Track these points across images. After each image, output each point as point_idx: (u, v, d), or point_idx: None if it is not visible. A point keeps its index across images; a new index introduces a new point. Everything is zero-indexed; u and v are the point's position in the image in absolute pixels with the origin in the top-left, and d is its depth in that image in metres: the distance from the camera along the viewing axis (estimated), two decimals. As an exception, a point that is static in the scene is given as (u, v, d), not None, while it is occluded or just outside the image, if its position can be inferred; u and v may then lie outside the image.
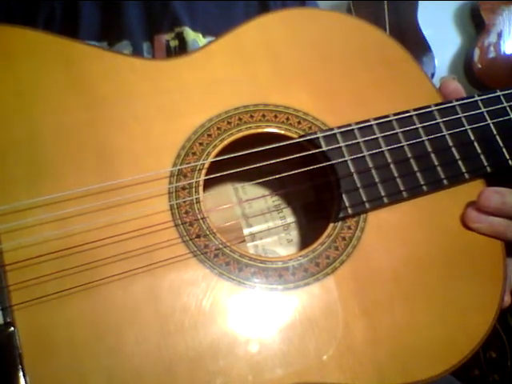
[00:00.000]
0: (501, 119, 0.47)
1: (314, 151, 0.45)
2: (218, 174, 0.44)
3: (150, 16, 0.71)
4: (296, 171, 0.45)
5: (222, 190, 0.49)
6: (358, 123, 0.46)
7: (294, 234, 0.51)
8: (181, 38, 0.70)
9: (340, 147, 0.45)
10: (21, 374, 0.35)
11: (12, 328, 0.36)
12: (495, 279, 0.44)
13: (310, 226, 0.48)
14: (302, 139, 0.45)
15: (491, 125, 0.47)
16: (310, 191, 0.50)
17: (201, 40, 0.72)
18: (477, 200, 0.45)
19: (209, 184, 0.47)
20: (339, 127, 0.45)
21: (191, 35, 0.71)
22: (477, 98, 0.48)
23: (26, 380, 0.35)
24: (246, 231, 0.49)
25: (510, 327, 1.80)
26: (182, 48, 0.71)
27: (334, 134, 0.45)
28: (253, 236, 0.50)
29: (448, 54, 2.26)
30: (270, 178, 0.46)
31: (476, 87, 2.23)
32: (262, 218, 0.50)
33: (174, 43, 0.69)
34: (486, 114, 0.47)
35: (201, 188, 0.43)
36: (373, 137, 0.45)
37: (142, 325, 0.38)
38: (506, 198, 0.45)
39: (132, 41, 0.70)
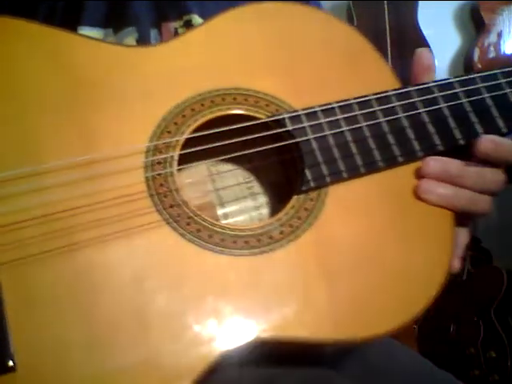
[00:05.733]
0: (453, 103, 0.52)
1: (280, 130, 0.49)
2: (190, 150, 0.48)
3: (157, 4, 0.70)
4: (263, 148, 0.49)
5: (197, 169, 0.53)
6: (321, 105, 0.50)
7: (264, 212, 0.55)
8: (189, 25, 0.70)
9: (304, 127, 0.49)
10: (5, 323, 0.39)
11: None
12: (444, 246, 0.48)
13: (280, 205, 0.51)
14: (269, 119, 0.50)
15: (444, 108, 0.52)
16: (281, 174, 0.54)
17: None
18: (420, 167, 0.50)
19: (185, 165, 0.52)
20: (304, 109, 0.50)
21: (200, 22, 0.71)
22: (431, 84, 0.53)
23: (8, 331, 0.39)
24: (220, 211, 0.53)
25: (510, 327, 1.81)
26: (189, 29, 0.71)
27: (299, 115, 0.50)
28: (226, 215, 0.54)
29: (448, 54, 2.26)
30: (240, 153, 0.49)
31: (476, 87, 2.23)
32: (234, 199, 0.54)
33: (182, 31, 0.70)
34: (439, 98, 0.52)
35: (175, 162, 0.47)
36: (334, 118, 0.50)
37: (118, 284, 0.42)
38: (447, 166, 0.49)
39: (138, 27, 0.69)
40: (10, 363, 0.38)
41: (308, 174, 0.48)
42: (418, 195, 0.49)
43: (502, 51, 2.11)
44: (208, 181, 0.53)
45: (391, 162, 0.50)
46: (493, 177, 0.51)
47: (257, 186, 0.55)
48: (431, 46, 2.14)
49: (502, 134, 0.52)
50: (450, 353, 1.79)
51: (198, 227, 0.45)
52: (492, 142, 0.50)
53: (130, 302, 0.42)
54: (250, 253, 0.45)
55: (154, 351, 0.40)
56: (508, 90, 0.53)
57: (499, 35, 2.11)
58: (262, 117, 0.50)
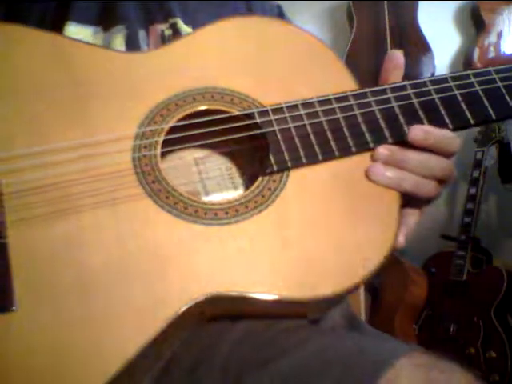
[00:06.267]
0: (404, 102, 0.60)
1: (249, 122, 0.58)
2: (172, 136, 0.56)
3: (145, 6, 0.76)
4: (234, 136, 0.58)
5: (184, 161, 0.61)
6: (286, 102, 0.59)
7: None
8: (175, 28, 0.76)
9: (271, 120, 0.58)
10: (12, 276, 0.47)
11: (4, 240, 0.48)
12: (389, 222, 0.55)
13: None
14: (241, 113, 0.58)
15: (395, 107, 0.59)
16: (257, 165, 0.61)
17: None
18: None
19: (169, 147, 0.59)
20: (272, 105, 0.58)
21: (184, 27, 0.75)
22: (386, 86, 0.60)
23: (13, 279, 0.47)
24: (204, 198, 0.61)
25: (510, 327, 1.81)
26: (176, 37, 0.74)
27: (267, 111, 0.58)
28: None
29: (448, 54, 2.27)
30: (217, 139, 0.58)
31: (476, 87, 2.23)
32: (218, 188, 0.62)
33: (168, 32, 0.75)
34: (392, 98, 0.60)
35: (159, 146, 0.55)
36: (297, 113, 0.58)
37: (104, 242, 0.50)
38: (393, 152, 0.57)
39: (127, 26, 0.73)
40: (14, 308, 0.47)
41: (272, 159, 0.56)
42: (368, 177, 0.57)
43: (502, 51, 2.11)
44: (195, 171, 0.62)
45: (346, 152, 0.57)
46: (437, 164, 0.57)
47: (238, 177, 0.64)
48: (431, 45, 2.14)
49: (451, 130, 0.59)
50: (450, 353, 1.79)
51: (175, 200, 0.53)
52: (421, 130, 0.57)
53: (114, 257, 0.50)
54: (218, 223, 0.53)
55: (133, 294, 0.49)
56: (457, 92, 0.60)
57: (499, 35, 2.11)
58: (236, 112, 0.58)
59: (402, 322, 1.91)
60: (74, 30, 0.70)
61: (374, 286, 2.01)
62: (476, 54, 2.12)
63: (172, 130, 0.57)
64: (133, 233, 0.51)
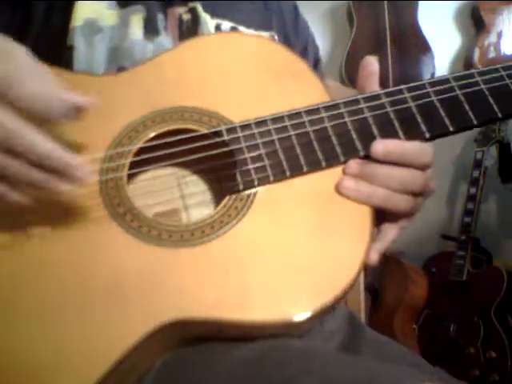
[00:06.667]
0: (377, 112, 0.57)
1: (217, 139, 0.56)
2: (139, 158, 0.56)
3: None
4: (202, 155, 0.56)
5: (165, 179, 0.60)
6: (256, 118, 0.57)
7: None
8: (194, 13, 0.73)
9: (239, 137, 0.56)
10: None
11: None
12: (361, 238, 0.53)
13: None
14: (209, 131, 0.57)
15: (368, 117, 0.57)
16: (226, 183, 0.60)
17: (209, 21, 0.74)
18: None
19: (149, 177, 0.60)
20: (240, 122, 0.57)
21: (203, 14, 0.73)
22: (359, 96, 0.58)
23: None
24: (184, 216, 0.59)
25: (510, 327, 1.81)
26: (194, 22, 0.73)
27: (235, 127, 0.57)
28: (189, 219, 0.60)
29: (448, 54, 2.26)
30: (185, 158, 0.56)
31: (476, 87, 2.23)
32: (197, 207, 0.60)
33: (186, 17, 0.73)
34: (365, 109, 0.57)
35: (125, 168, 0.55)
36: (266, 128, 0.57)
37: (66, 267, 0.50)
38: (363, 166, 0.55)
39: (146, 7, 0.71)
40: None
41: (238, 177, 0.55)
42: (338, 192, 0.55)
43: (502, 51, 2.11)
44: (175, 191, 0.60)
45: (315, 166, 0.55)
46: (408, 177, 0.55)
47: (216, 196, 0.62)
48: (431, 45, 2.14)
49: (425, 139, 0.57)
50: (450, 353, 1.79)
51: (139, 223, 0.52)
52: (382, 145, 0.55)
53: (72, 281, 0.50)
54: (183, 245, 0.52)
55: (100, 319, 0.48)
56: (434, 98, 0.58)
57: (499, 35, 2.11)
58: (205, 130, 0.57)
59: (402, 321, 1.91)
60: (86, 1, 0.68)
61: (374, 286, 2.01)
62: (476, 54, 2.12)
63: (142, 151, 0.56)
64: (95, 257, 0.51)
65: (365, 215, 0.54)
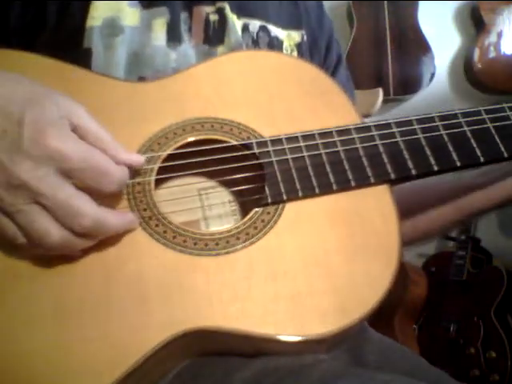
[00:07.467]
0: (409, 138, 0.58)
1: (247, 152, 0.57)
2: (168, 164, 0.56)
3: None
4: (231, 165, 0.57)
5: (187, 188, 0.60)
6: (286, 134, 0.58)
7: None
8: (221, 14, 0.70)
9: (269, 151, 0.57)
10: None
11: None
12: (388, 262, 0.53)
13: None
14: (239, 143, 0.58)
15: (400, 141, 0.58)
16: (254, 195, 0.59)
17: (236, 21, 0.71)
18: None
19: (174, 185, 0.60)
20: (271, 137, 0.58)
21: (230, 15, 0.70)
22: (391, 120, 0.59)
23: None
24: (203, 226, 0.59)
25: (510, 327, 1.81)
26: (222, 24, 0.70)
27: (266, 141, 0.57)
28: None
29: (448, 54, 2.27)
30: (213, 168, 0.57)
31: (476, 87, 2.23)
32: (217, 217, 0.60)
33: (213, 17, 0.70)
34: (396, 133, 0.58)
35: (154, 173, 0.55)
36: (297, 145, 0.57)
37: (90, 269, 0.50)
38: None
39: (170, 8, 0.67)
40: None
41: (267, 190, 0.55)
42: (368, 212, 0.55)
43: (502, 51, 2.11)
44: (197, 200, 0.60)
45: (344, 186, 0.56)
46: None
47: (239, 208, 0.62)
48: (431, 45, 2.14)
49: (456, 168, 0.58)
50: (450, 353, 1.79)
51: (164, 229, 0.52)
52: None
53: (96, 285, 0.49)
54: (207, 254, 0.51)
55: (118, 323, 0.48)
56: (466, 129, 0.59)
57: (499, 35, 2.12)
58: (234, 142, 0.58)
59: (402, 321, 1.91)
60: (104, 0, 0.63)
61: (374, 286, 2.01)
62: (476, 54, 2.12)
63: (171, 158, 0.56)
64: (119, 261, 0.50)
65: (392, 237, 0.54)
